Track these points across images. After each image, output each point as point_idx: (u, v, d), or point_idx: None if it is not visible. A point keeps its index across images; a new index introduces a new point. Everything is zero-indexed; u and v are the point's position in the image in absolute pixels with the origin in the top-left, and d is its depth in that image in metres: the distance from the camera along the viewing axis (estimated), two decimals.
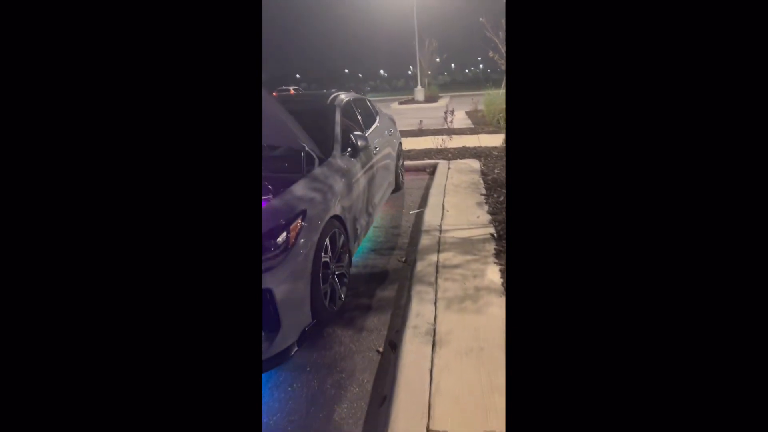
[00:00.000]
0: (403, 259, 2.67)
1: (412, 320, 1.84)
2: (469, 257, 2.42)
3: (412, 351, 1.63)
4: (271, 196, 1.97)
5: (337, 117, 2.75)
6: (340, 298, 2.10)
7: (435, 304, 1.96)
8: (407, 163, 5.04)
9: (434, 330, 1.76)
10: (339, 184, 2.24)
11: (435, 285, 2.13)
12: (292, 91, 22.75)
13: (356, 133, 2.64)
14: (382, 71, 69.15)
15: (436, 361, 1.56)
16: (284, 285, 1.63)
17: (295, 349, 1.72)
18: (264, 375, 1.68)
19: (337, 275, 2.09)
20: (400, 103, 18.25)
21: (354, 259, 2.67)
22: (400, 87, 44.57)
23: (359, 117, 3.26)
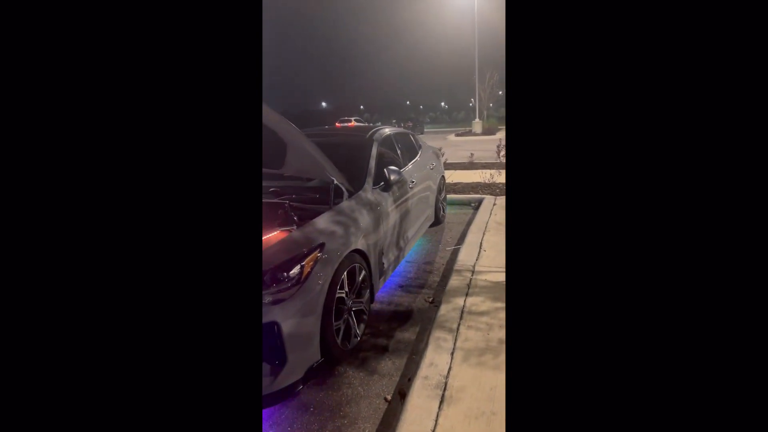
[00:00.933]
0: (431, 300, 2.54)
1: (424, 370, 1.71)
2: (498, 304, 2.24)
3: (418, 406, 1.51)
4: (294, 227, 2.01)
5: (374, 151, 2.78)
6: (355, 335, 2.04)
7: (452, 353, 1.82)
8: (451, 196, 4.94)
9: (445, 384, 1.62)
10: (365, 218, 2.23)
11: (456, 332, 1.99)
12: (353, 122, 23.88)
13: (390, 167, 2.64)
14: (443, 103, 70.19)
15: (440, 420, 1.42)
16: (293, 319, 1.62)
17: (301, 386, 1.68)
18: (265, 411, 1.66)
19: (354, 311, 2.04)
20: (457, 135, 18.26)
21: (379, 294, 2.61)
22: (460, 119, 44.72)
23: (399, 151, 3.28)
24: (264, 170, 2.43)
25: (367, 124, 4.18)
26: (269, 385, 1.59)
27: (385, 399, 1.70)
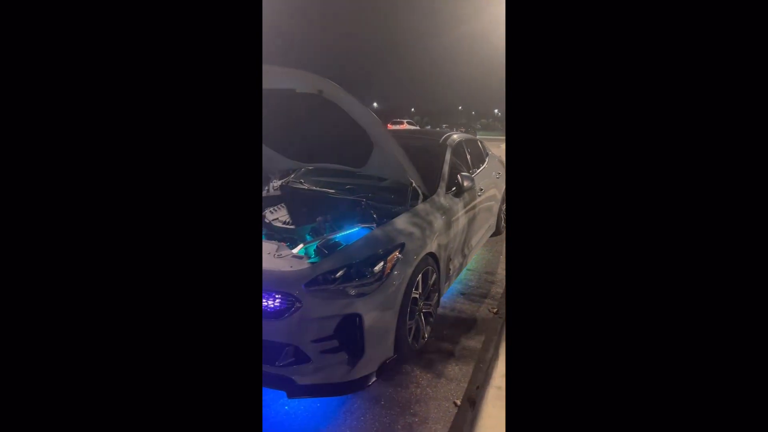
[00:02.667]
0: (495, 310, 2.51)
1: (497, 379, 1.70)
2: None
3: (493, 415, 1.50)
4: (374, 225, 2.08)
5: (447, 156, 2.79)
6: (423, 336, 2.07)
7: None
8: None
9: None
10: (438, 222, 2.25)
11: None
12: (405, 124, 23.94)
13: (463, 173, 2.64)
14: (496, 110, 68.51)
15: None
16: (373, 313, 1.68)
17: (373, 379, 1.73)
18: (337, 399, 1.73)
19: (423, 313, 2.07)
20: None
21: (442, 299, 2.62)
22: None
23: (468, 157, 3.27)
24: (340, 167, 2.53)
25: (436, 129, 4.20)
26: (345, 374, 1.66)
27: (455, 403, 1.71)
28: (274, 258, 1.80)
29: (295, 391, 1.61)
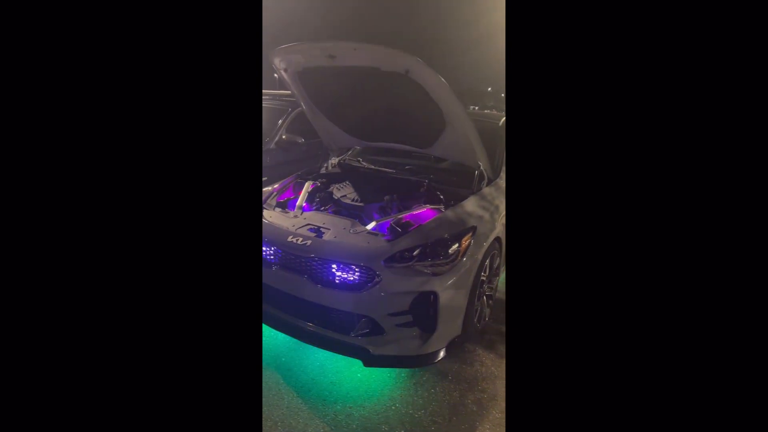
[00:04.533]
0: None
1: None
2: None
3: None
4: (443, 206, 2.10)
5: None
6: (484, 318, 2.11)
7: None
8: None
9: None
10: (502, 207, 2.25)
11: None
12: None
13: None
14: None
15: None
16: (448, 292, 1.72)
17: (442, 355, 1.80)
18: (408, 370, 1.81)
19: (486, 295, 2.11)
20: None
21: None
22: None
23: None
24: (401, 146, 2.54)
25: (493, 111, 4.12)
26: (417, 347, 1.72)
27: None
28: (351, 233, 1.86)
29: (370, 360, 1.70)
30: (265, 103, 4.06)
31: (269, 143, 3.52)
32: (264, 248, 1.93)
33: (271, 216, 2.07)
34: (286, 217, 2.04)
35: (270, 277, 1.88)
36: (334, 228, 1.90)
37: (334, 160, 2.85)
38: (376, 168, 2.69)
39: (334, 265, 1.74)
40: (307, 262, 1.78)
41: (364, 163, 2.80)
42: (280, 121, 3.69)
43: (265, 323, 1.90)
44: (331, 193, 2.37)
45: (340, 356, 1.83)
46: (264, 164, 3.42)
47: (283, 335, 2.01)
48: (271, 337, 2.03)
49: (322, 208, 2.25)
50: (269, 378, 1.74)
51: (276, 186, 2.43)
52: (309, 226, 1.93)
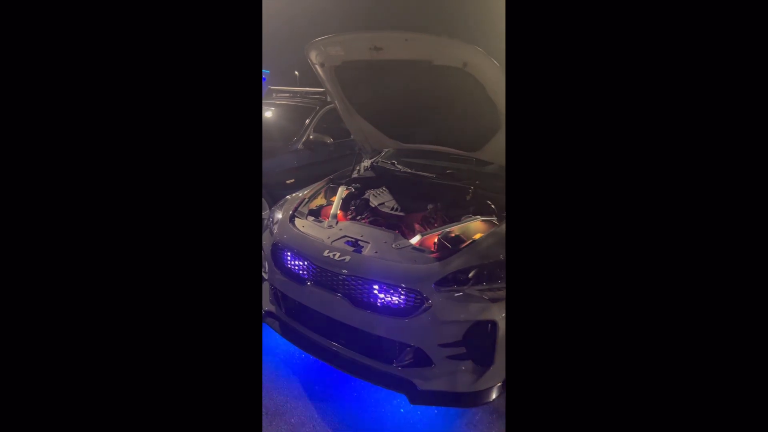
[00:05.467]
0: None
1: None
2: None
3: None
4: (495, 218, 1.86)
5: None
6: None
7: None
8: None
9: None
10: None
11: None
12: None
13: None
14: None
15: None
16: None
17: (500, 393, 1.56)
18: (458, 410, 1.59)
19: None
20: None
21: None
22: None
23: None
24: (443, 149, 2.29)
25: None
26: (470, 383, 1.50)
27: None
28: (393, 248, 1.64)
29: (416, 397, 1.48)
30: (290, 101, 3.88)
31: (296, 143, 3.34)
32: (298, 261, 1.73)
33: (304, 226, 1.87)
34: (321, 228, 1.84)
35: (302, 294, 1.69)
36: (373, 241, 1.68)
37: (366, 163, 2.63)
38: (413, 172, 2.45)
39: (375, 286, 1.53)
40: (345, 280, 1.58)
41: (399, 166, 2.57)
42: (307, 121, 3.50)
43: (294, 343, 1.71)
44: (368, 201, 2.16)
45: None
46: (290, 165, 3.25)
47: (316, 360, 1.81)
48: (300, 358, 1.84)
49: (358, 217, 2.04)
50: (302, 411, 1.55)
51: (307, 191, 2.23)
52: (346, 239, 1.73)
